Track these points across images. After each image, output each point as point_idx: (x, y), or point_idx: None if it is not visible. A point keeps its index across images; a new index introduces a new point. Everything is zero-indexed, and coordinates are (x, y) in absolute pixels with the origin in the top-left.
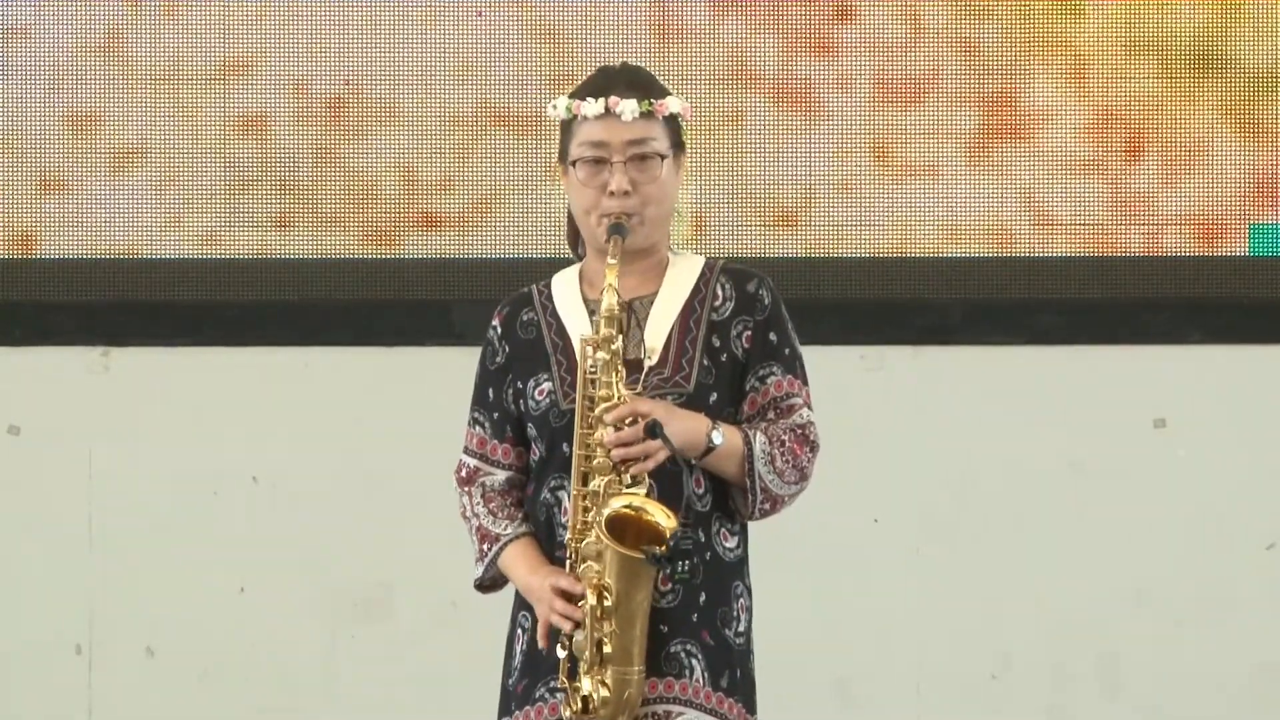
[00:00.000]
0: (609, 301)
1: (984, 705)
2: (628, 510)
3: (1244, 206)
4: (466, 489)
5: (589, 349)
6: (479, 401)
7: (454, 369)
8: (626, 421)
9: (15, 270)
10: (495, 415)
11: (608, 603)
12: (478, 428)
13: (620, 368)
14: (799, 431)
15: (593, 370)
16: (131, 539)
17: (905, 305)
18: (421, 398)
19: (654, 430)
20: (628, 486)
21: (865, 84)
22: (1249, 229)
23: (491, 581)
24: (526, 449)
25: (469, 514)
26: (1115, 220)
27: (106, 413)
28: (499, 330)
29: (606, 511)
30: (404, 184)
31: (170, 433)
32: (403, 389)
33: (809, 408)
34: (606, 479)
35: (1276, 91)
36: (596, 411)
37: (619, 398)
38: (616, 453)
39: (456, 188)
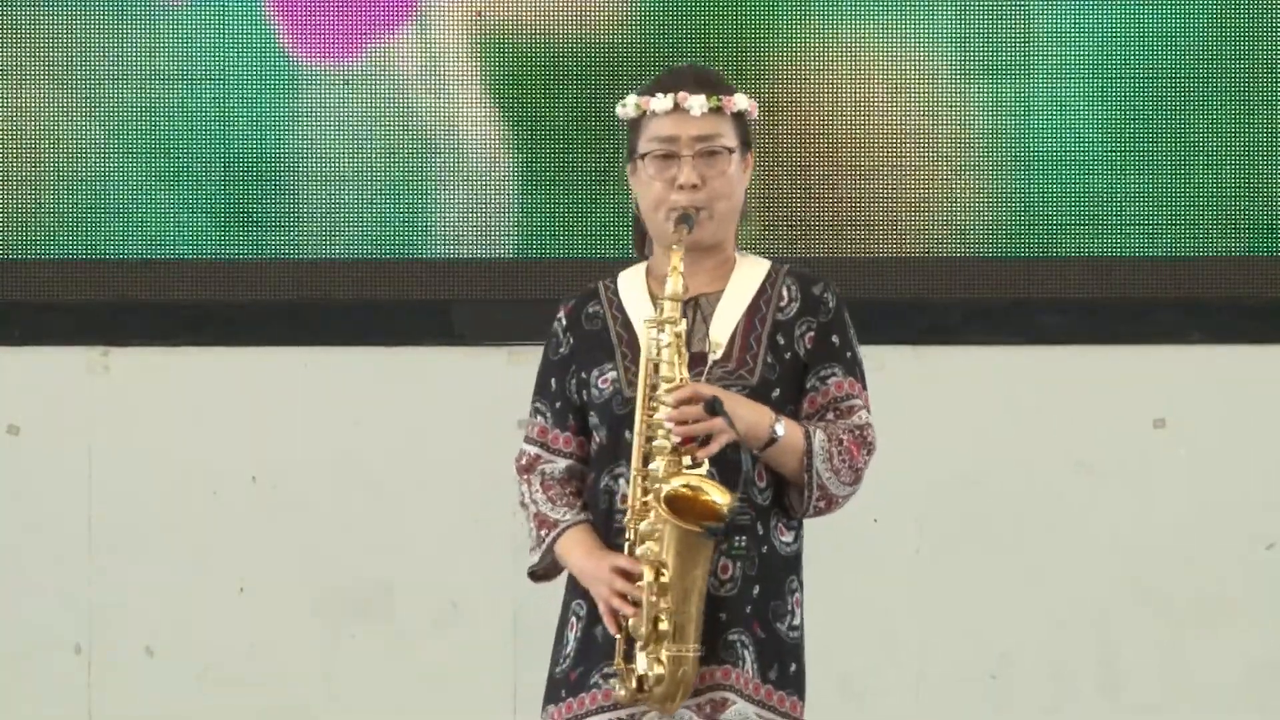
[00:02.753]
0: (674, 286)
1: (984, 705)
2: (685, 489)
3: (1244, 206)
4: (526, 477)
5: (652, 329)
6: (541, 391)
7: (454, 369)
8: (687, 403)
9: (15, 270)
10: (557, 405)
11: (664, 578)
12: (539, 417)
13: (683, 349)
14: (857, 433)
15: (654, 353)
16: (131, 539)
17: (905, 305)
18: (421, 398)
19: (714, 407)
20: (687, 468)
21: (865, 83)
22: (1249, 229)
23: (545, 571)
24: (588, 438)
25: (527, 501)
26: (1115, 220)
27: (106, 413)
28: (564, 323)
29: (666, 489)
30: (404, 184)
31: (170, 433)
32: (403, 389)
33: (868, 410)
34: (665, 460)
35: (1276, 91)
36: (658, 392)
37: (681, 379)
38: (678, 431)
39: (456, 187)
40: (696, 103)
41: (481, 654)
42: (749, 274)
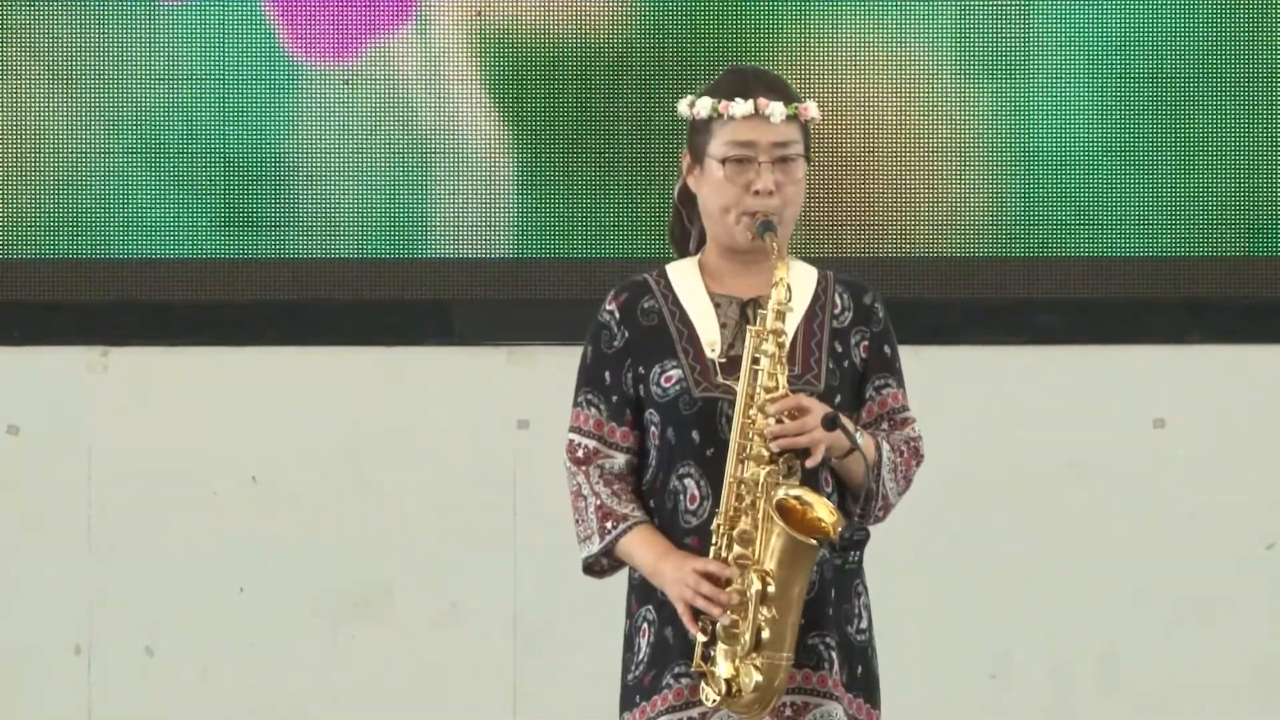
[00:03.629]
0: (779, 296)
1: (984, 705)
2: (795, 501)
3: (1244, 206)
4: (584, 469)
5: (756, 340)
6: (592, 384)
7: (454, 369)
8: (788, 414)
9: (15, 270)
10: (614, 398)
11: (771, 588)
12: (592, 409)
13: (783, 361)
14: (913, 444)
15: (757, 360)
16: (131, 539)
17: (905, 305)
18: (421, 398)
19: (834, 421)
20: (784, 477)
21: (865, 83)
22: (1249, 229)
23: (597, 564)
24: (643, 434)
25: (586, 492)
26: (1115, 220)
27: (106, 413)
28: (616, 315)
29: (778, 496)
30: (403, 183)
31: (170, 433)
32: (403, 389)
33: (917, 421)
34: (767, 469)
35: (1276, 91)
36: (759, 401)
37: (782, 389)
38: (778, 443)
39: (456, 186)
40: (777, 110)
41: (481, 654)
42: (802, 279)
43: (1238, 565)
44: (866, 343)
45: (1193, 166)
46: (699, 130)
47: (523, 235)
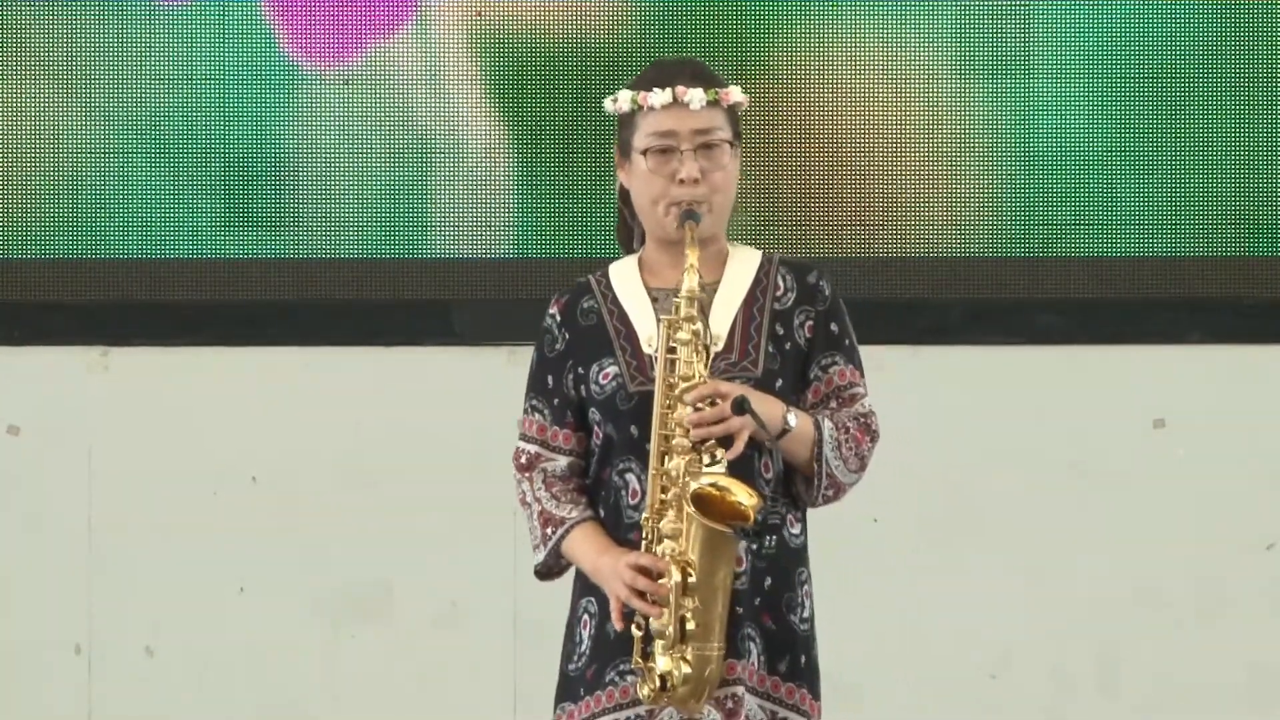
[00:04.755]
0: (690, 283)
1: (984, 705)
2: (712, 489)
3: (1244, 206)
4: (527, 475)
5: (669, 330)
6: (537, 389)
7: (454, 369)
8: (706, 402)
9: (15, 270)
10: (555, 401)
11: (691, 579)
12: (536, 415)
13: (700, 348)
14: (862, 420)
15: (672, 350)
16: (131, 539)
17: (905, 305)
18: (421, 398)
19: (742, 406)
20: (706, 466)
21: (865, 83)
22: (1248, 229)
23: (547, 569)
24: (587, 435)
25: (529, 499)
26: (1115, 220)
27: (106, 413)
28: (558, 318)
29: (693, 486)
30: (403, 183)
31: (170, 433)
32: (402, 389)
33: (869, 397)
34: (686, 459)
35: (1276, 91)
36: (677, 391)
37: (699, 378)
38: (697, 432)
39: (456, 187)
40: (696, 96)
41: (481, 654)
42: (743, 264)
43: (1238, 565)
44: (811, 322)
45: (1193, 167)
46: (624, 125)
47: (523, 235)
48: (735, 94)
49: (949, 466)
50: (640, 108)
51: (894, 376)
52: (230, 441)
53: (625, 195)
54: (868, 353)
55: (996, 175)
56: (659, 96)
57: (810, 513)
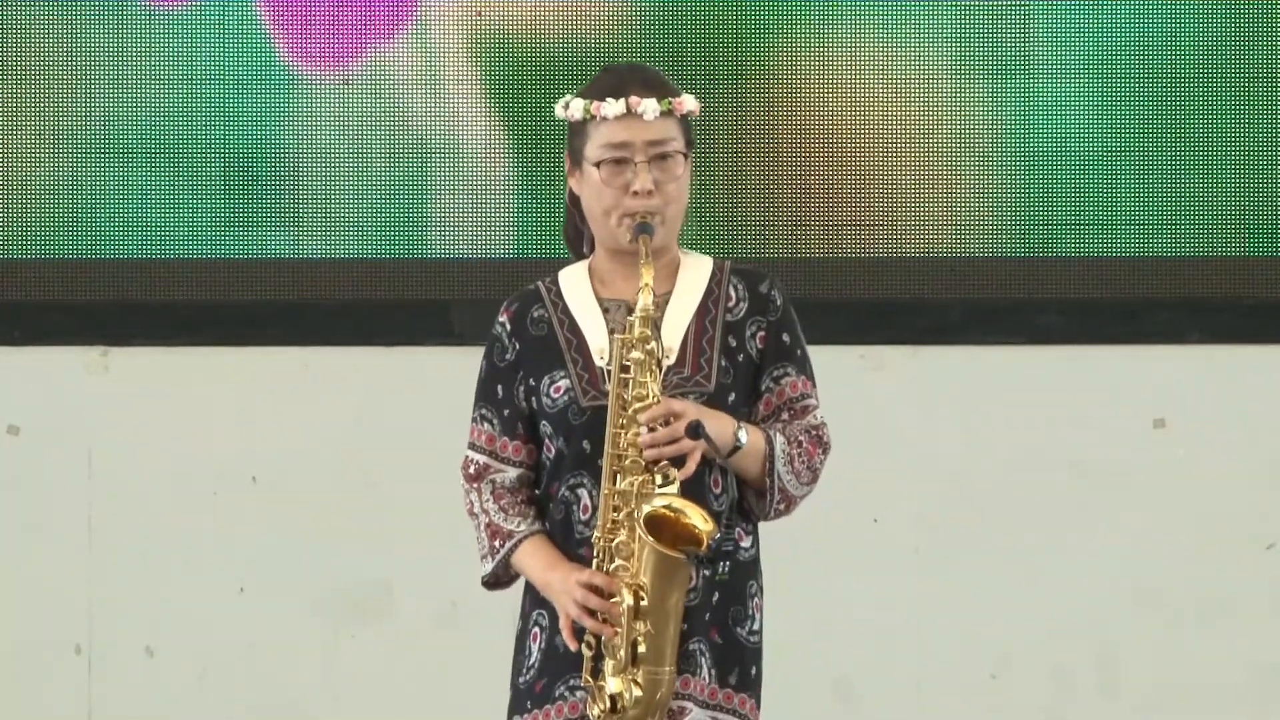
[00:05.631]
0: (645, 301)
1: (984, 705)
2: (666, 511)
3: (1244, 206)
4: (475, 485)
5: (623, 349)
6: (486, 398)
7: (453, 369)
8: (660, 422)
9: (15, 270)
10: (505, 412)
11: (644, 603)
12: (485, 424)
13: (654, 368)
14: (813, 433)
15: (626, 369)
16: (131, 539)
17: (905, 305)
18: (421, 398)
19: (697, 431)
20: (659, 487)
21: (865, 83)
22: (1248, 229)
23: (495, 579)
24: (537, 446)
25: (477, 510)
26: (1114, 220)
27: (106, 413)
28: (508, 327)
29: (646, 509)
30: (403, 184)
31: (170, 433)
32: (402, 389)
33: (819, 408)
34: (640, 479)
35: (1276, 91)
36: (630, 411)
37: (653, 398)
38: (650, 453)
39: (455, 187)
40: (650, 107)
41: (481, 654)
42: (694, 273)
43: (1238, 565)
44: (763, 333)
45: (1193, 167)
46: (575, 133)
47: (523, 235)
48: (689, 103)
49: (949, 466)
50: (592, 117)
51: (894, 376)
52: (230, 441)
53: (575, 200)
54: (868, 353)
55: (996, 176)
56: (612, 107)
57: (807, 512)
